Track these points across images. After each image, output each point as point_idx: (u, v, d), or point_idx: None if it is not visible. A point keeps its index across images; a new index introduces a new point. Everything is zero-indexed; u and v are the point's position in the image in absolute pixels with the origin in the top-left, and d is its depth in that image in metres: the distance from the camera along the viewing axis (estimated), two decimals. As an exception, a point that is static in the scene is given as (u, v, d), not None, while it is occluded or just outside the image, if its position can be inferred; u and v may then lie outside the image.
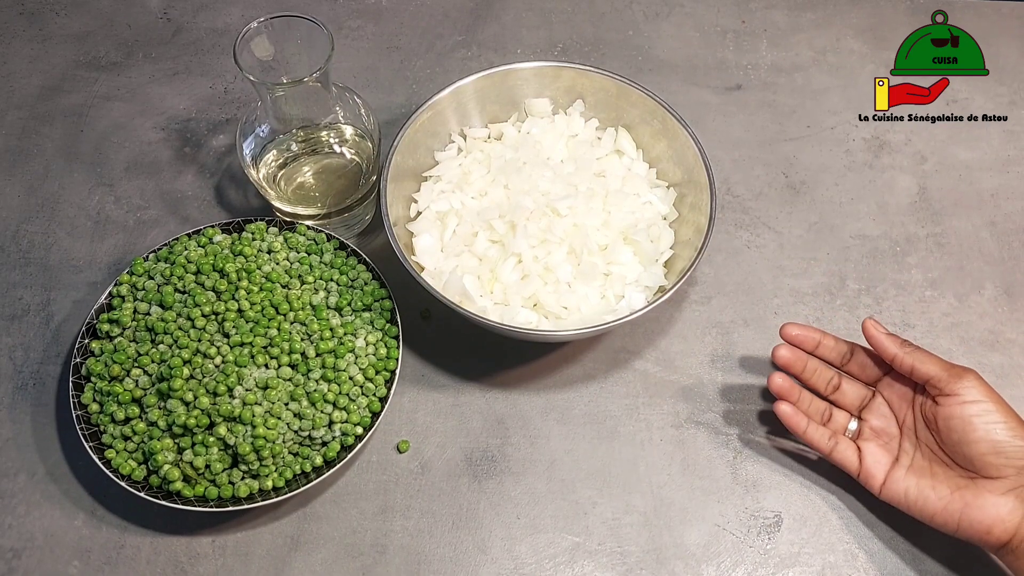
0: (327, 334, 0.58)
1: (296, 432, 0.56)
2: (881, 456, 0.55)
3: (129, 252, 0.69)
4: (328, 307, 0.60)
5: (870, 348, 0.57)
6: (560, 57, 0.81)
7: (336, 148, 0.67)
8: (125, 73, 0.79)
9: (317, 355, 0.58)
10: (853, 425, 0.58)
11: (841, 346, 0.59)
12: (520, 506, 0.59)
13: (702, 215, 0.61)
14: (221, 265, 0.60)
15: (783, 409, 0.57)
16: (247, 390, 0.55)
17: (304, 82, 0.57)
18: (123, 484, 0.54)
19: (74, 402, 0.56)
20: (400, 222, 0.63)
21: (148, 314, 0.59)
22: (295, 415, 0.56)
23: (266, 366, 0.57)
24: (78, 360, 0.58)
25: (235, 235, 0.63)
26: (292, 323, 0.59)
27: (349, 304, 0.61)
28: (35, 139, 0.75)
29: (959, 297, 0.68)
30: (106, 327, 0.58)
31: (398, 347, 0.60)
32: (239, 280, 0.59)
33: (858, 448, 0.56)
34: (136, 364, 0.56)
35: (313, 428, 0.56)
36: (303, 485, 0.54)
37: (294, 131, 0.64)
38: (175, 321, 0.57)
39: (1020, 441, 0.50)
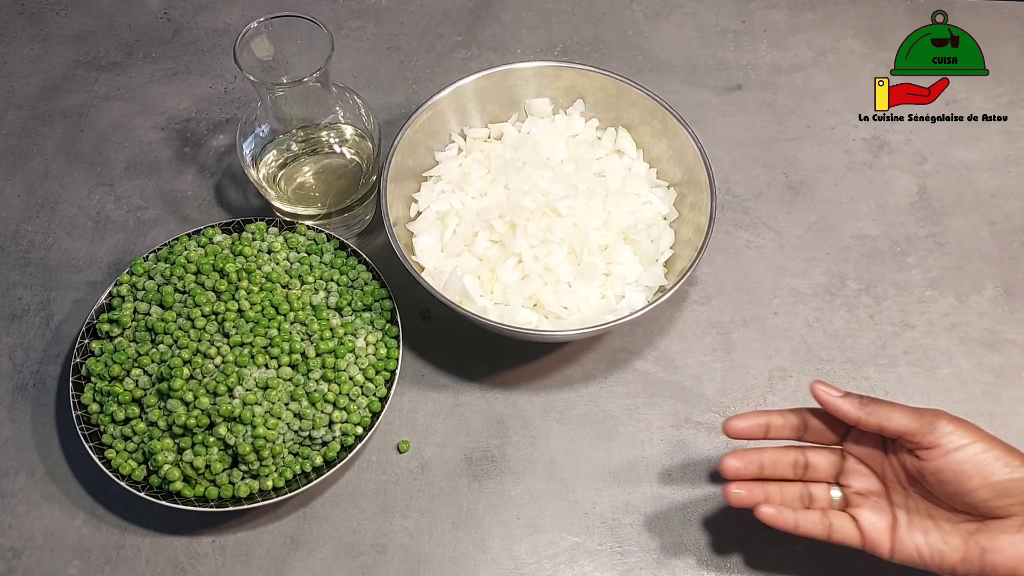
0: (327, 334, 0.58)
1: (296, 432, 0.56)
2: (879, 519, 0.51)
3: (129, 252, 0.69)
4: (328, 307, 0.60)
5: (823, 409, 0.52)
6: (560, 57, 0.81)
7: (336, 148, 0.67)
8: (125, 73, 0.79)
9: (317, 355, 0.58)
10: (836, 494, 0.53)
11: (791, 419, 0.53)
12: (520, 506, 0.59)
13: (702, 215, 0.61)
14: (221, 265, 0.60)
15: (766, 512, 0.51)
16: (247, 390, 0.55)
17: (304, 82, 0.57)
18: (123, 484, 0.54)
19: (74, 402, 0.56)
20: (400, 222, 0.63)
21: (148, 314, 0.59)
22: (295, 415, 0.56)
23: (266, 366, 0.57)
24: (78, 360, 0.58)
25: (235, 235, 0.63)
26: (292, 323, 0.59)
27: (349, 304, 0.61)
28: (35, 139, 0.75)
29: (959, 297, 0.68)
30: (106, 327, 0.58)
31: (398, 347, 0.60)
32: (239, 280, 0.59)
33: (852, 518, 0.51)
34: (136, 364, 0.56)
35: (313, 428, 0.56)
36: (303, 485, 0.54)
37: (294, 131, 0.64)
38: (175, 321, 0.57)
39: (1020, 473, 0.47)
